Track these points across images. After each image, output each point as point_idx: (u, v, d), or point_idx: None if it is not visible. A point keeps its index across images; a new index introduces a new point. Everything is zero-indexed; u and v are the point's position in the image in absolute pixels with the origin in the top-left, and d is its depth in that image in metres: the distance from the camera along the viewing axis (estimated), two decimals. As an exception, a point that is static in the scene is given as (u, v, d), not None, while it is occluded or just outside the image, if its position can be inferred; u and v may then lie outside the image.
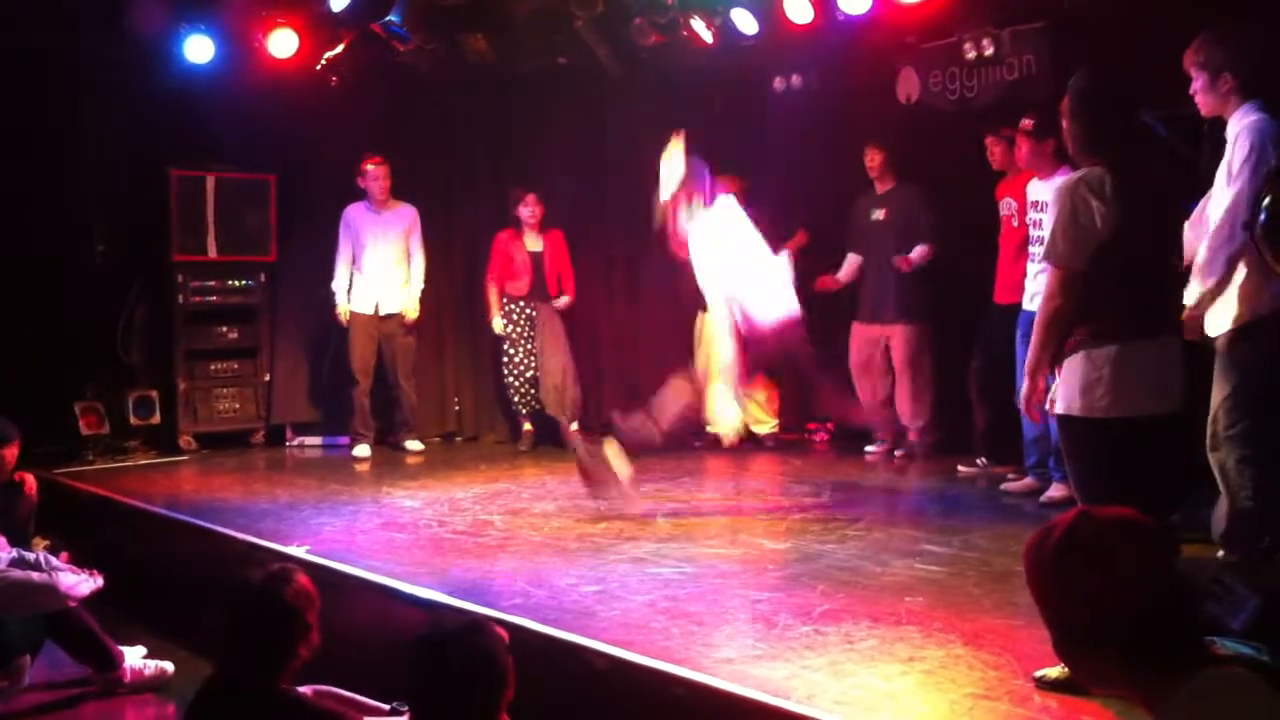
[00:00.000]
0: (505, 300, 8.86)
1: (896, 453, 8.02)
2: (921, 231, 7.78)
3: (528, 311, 8.84)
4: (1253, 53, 4.52)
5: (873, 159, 7.94)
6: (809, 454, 8.45)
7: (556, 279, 8.86)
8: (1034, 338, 3.93)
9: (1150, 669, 2.03)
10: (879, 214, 7.99)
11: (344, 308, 8.80)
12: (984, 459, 7.36)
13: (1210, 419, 4.56)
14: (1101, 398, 3.76)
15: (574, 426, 8.78)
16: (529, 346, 8.84)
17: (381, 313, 8.85)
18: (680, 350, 8.95)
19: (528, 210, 8.75)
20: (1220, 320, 4.51)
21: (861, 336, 8.10)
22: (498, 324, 8.82)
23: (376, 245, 8.82)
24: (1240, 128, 4.45)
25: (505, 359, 8.89)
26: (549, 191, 8.85)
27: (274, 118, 8.64)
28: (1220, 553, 4.64)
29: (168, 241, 8.85)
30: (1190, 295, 4.46)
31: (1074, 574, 2.09)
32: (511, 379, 8.89)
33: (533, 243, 8.82)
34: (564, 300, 8.86)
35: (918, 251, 7.76)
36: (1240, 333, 4.48)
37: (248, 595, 3.59)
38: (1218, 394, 4.52)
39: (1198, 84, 4.55)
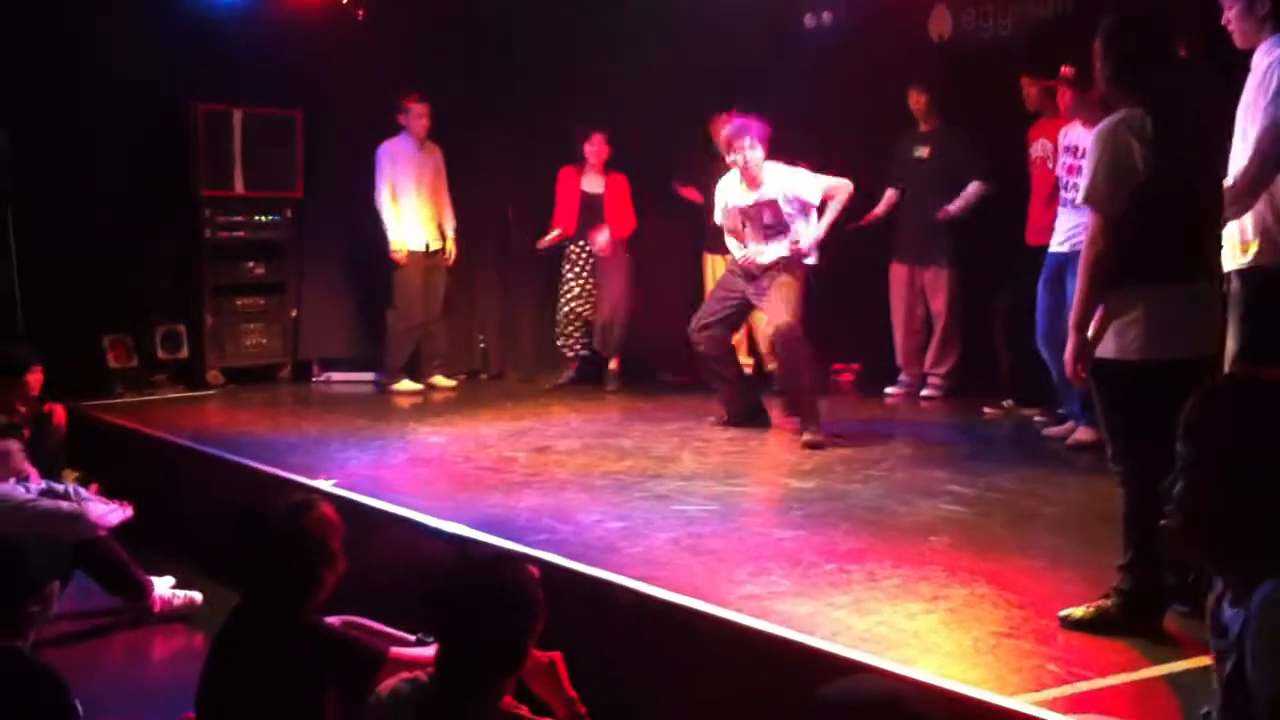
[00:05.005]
0: (567, 241, 8.84)
1: (922, 393, 8.00)
2: (977, 170, 7.73)
3: (587, 250, 8.83)
4: None
5: (917, 101, 7.89)
6: (834, 394, 8.40)
7: (612, 221, 8.79)
8: (1079, 287, 3.80)
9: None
10: (922, 151, 7.94)
11: (401, 244, 8.75)
12: (1009, 400, 7.34)
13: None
14: (1134, 340, 3.70)
15: (613, 365, 8.83)
16: (586, 286, 8.84)
17: (431, 249, 8.87)
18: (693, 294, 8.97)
19: (592, 149, 8.71)
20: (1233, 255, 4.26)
21: (900, 277, 8.07)
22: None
23: (421, 184, 8.80)
24: (1271, 59, 4.12)
25: (561, 299, 8.91)
26: (570, 129, 8.79)
27: (300, 52, 8.60)
28: None
29: (194, 177, 8.85)
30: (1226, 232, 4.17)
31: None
32: (560, 318, 8.91)
33: (591, 183, 8.78)
34: (603, 238, 8.75)
35: (963, 197, 7.72)
36: (1256, 275, 4.18)
37: (271, 525, 3.60)
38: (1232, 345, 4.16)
39: (1231, 12, 4.21)
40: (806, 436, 6.64)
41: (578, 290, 8.86)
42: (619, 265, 8.83)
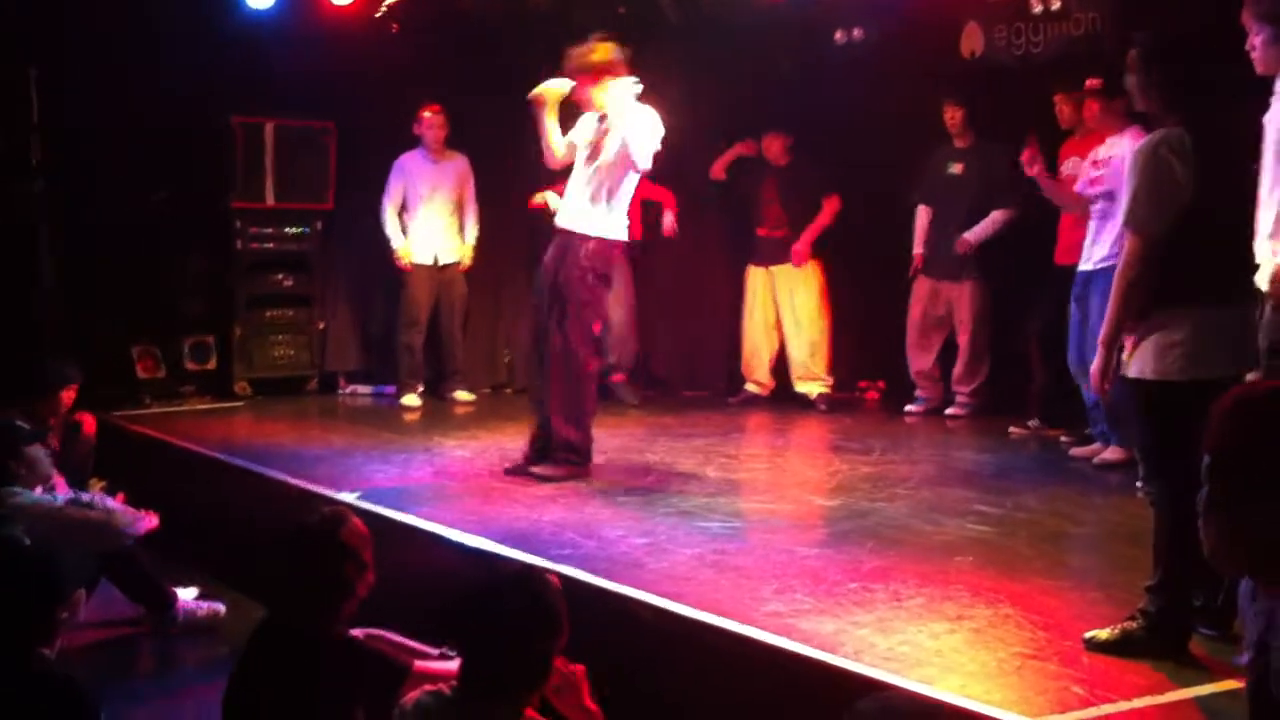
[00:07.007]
0: None
1: (948, 411, 7.96)
2: (1005, 197, 7.64)
3: None
4: None
5: (953, 116, 7.82)
6: (859, 412, 8.40)
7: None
8: (1111, 306, 3.80)
9: None
10: (956, 168, 7.90)
11: (404, 250, 8.77)
12: (1037, 421, 7.30)
13: None
14: (1176, 361, 3.68)
15: (619, 377, 8.79)
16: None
17: (440, 263, 8.88)
18: (732, 304, 8.96)
19: None
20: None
21: (926, 291, 8.03)
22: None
23: (434, 195, 8.81)
24: None
25: None
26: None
27: (334, 65, 8.61)
28: None
29: (226, 188, 8.89)
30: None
31: None
32: None
33: None
34: (668, 220, 8.66)
35: (982, 225, 7.70)
36: None
37: (304, 538, 3.62)
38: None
39: (1258, 38, 4.04)
40: (539, 469, 6.12)
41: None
42: (626, 270, 8.64)
